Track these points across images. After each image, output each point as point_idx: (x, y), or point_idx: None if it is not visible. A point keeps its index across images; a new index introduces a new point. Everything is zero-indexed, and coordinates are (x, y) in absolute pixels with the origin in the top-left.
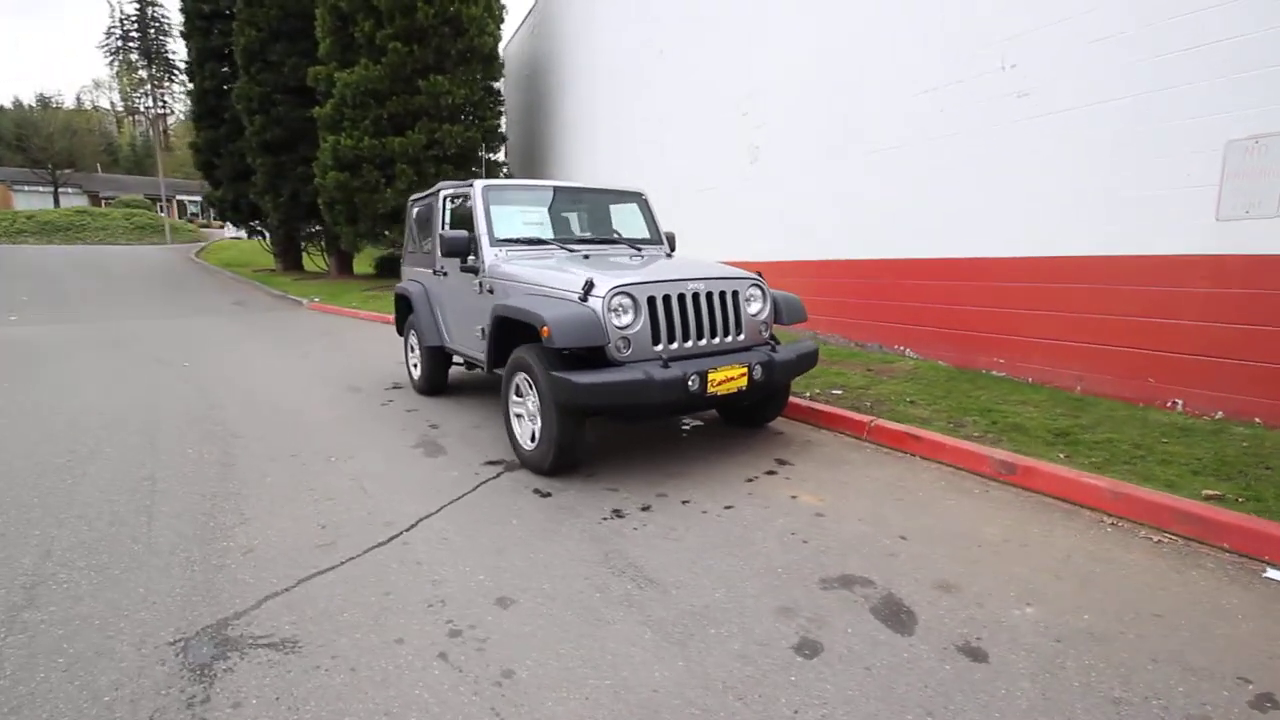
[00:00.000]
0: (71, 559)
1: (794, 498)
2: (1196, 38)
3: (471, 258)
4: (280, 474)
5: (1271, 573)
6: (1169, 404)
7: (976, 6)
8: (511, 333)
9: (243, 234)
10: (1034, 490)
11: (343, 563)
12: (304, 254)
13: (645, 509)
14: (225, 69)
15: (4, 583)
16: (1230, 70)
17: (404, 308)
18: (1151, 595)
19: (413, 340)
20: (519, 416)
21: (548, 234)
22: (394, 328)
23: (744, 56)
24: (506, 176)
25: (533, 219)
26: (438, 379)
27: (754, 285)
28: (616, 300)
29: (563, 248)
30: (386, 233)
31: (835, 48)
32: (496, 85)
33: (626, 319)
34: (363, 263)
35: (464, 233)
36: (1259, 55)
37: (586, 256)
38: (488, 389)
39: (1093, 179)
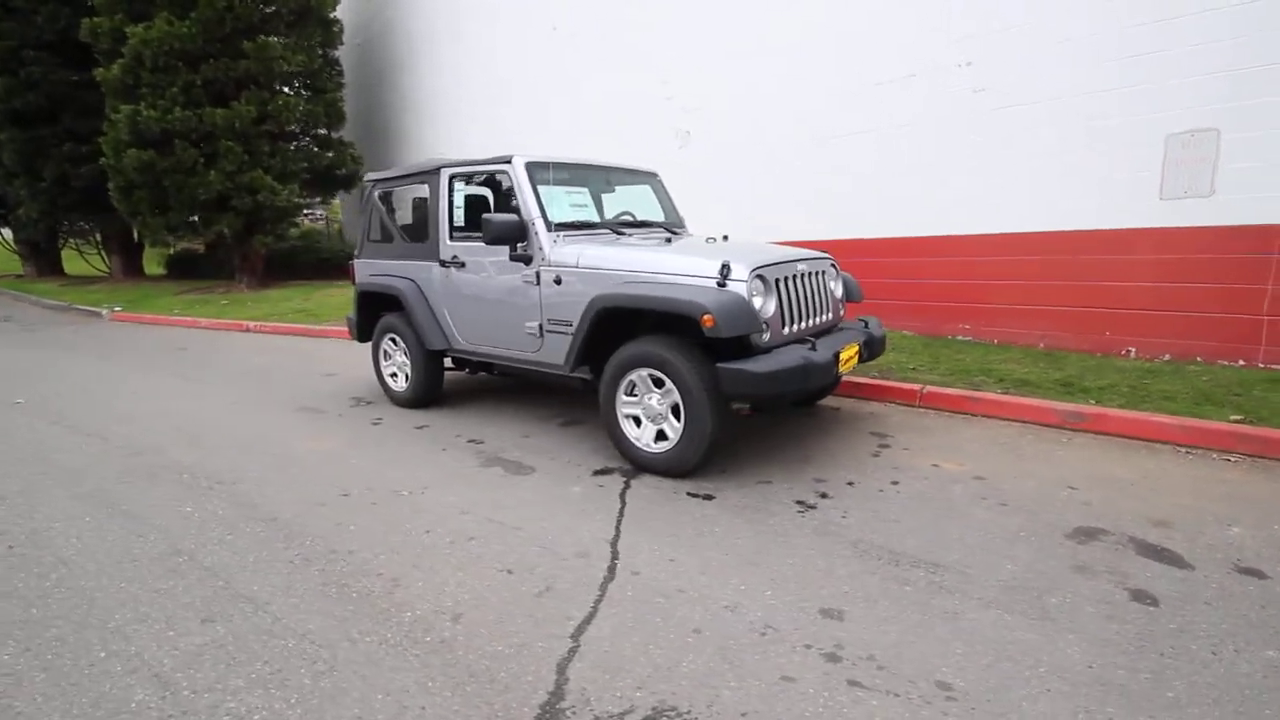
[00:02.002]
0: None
1: (936, 466)
2: (1137, 47)
3: (521, 245)
4: (374, 523)
5: None
6: (1123, 352)
7: (940, 4)
8: (611, 326)
9: None
10: (1107, 433)
11: (594, 613)
12: (74, 254)
13: (824, 496)
14: None
15: None
16: (1167, 76)
17: (374, 309)
18: None
19: (388, 346)
20: (630, 418)
21: (594, 216)
22: (278, 336)
23: (669, 36)
24: (354, 156)
25: (578, 200)
26: (435, 388)
27: (832, 264)
28: (756, 283)
29: (614, 231)
30: (206, 224)
31: (784, 36)
32: (335, 54)
33: (763, 302)
34: (151, 262)
35: (515, 217)
36: (1192, 65)
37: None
38: (485, 391)
39: (1049, 165)
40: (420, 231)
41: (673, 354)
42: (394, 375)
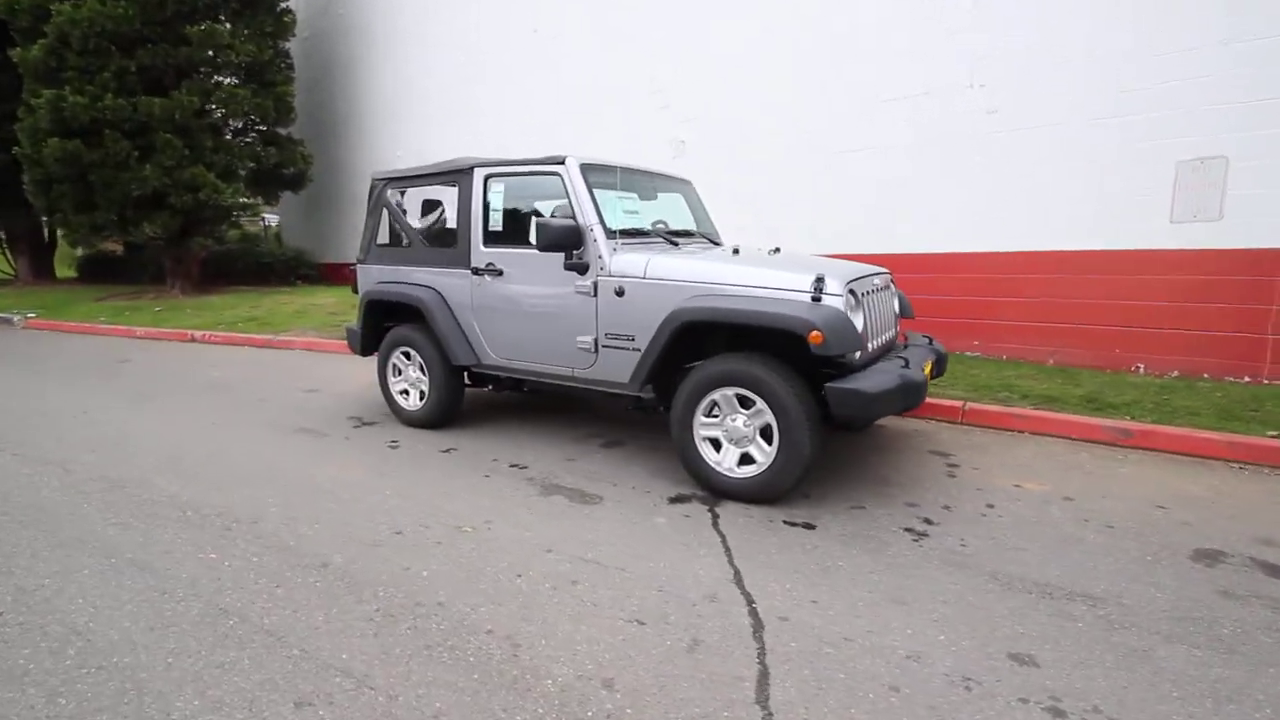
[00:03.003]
0: None
1: (1018, 486)
2: (1151, 78)
3: (576, 253)
4: (450, 567)
5: None
6: (1133, 368)
7: (949, 24)
8: (687, 342)
9: None
10: (1155, 449)
11: (765, 671)
12: None
13: (928, 521)
14: None
15: None
16: (1179, 105)
17: (381, 320)
18: None
19: (398, 361)
20: (709, 441)
21: (645, 223)
22: (231, 348)
23: (663, 44)
24: (304, 155)
25: (630, 206)
26: (455, 406)
27: (891, 279)
28: (849, 298)
29: (668, 240)
30: (137, 224)
31: (789, 50)
32: (286, 46)
33: (856, 318)
34: (60, 264)
35: (573, 222)
36: (1203, 95)
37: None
38: (500, 409)
39: (1061, 187)
40: (445, 235)
41: (767, 372)
42: (404, 393)
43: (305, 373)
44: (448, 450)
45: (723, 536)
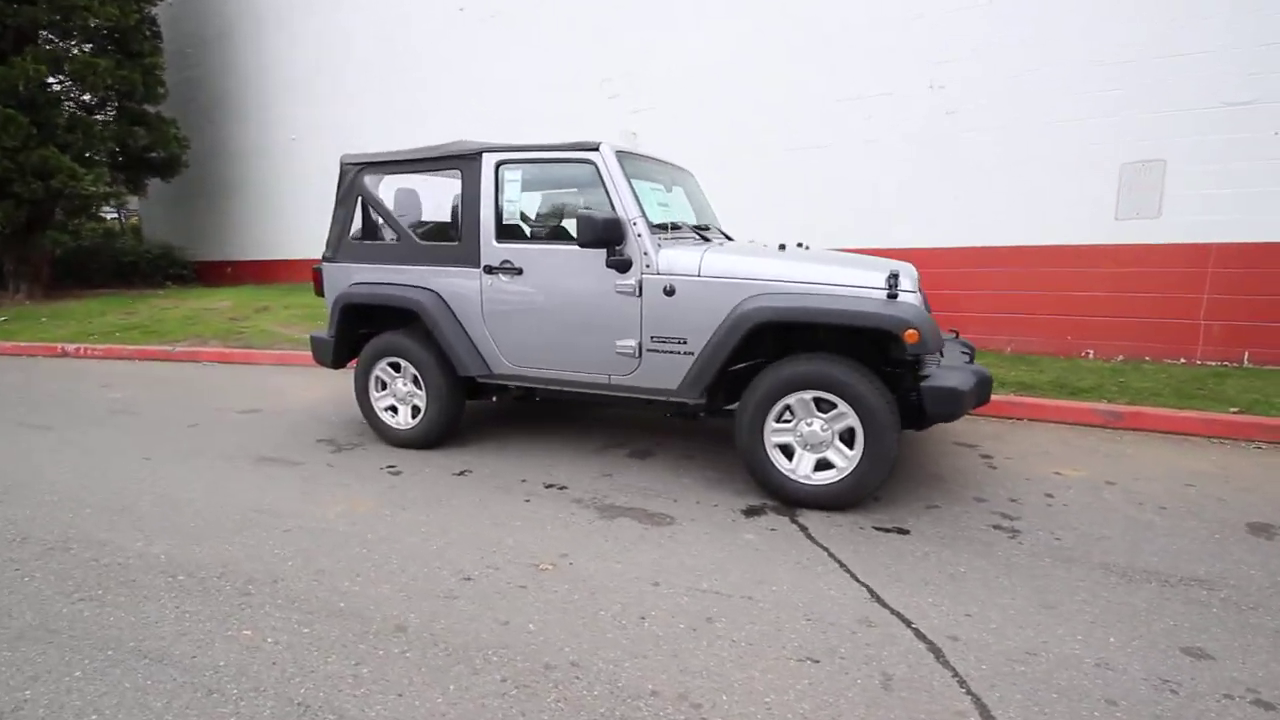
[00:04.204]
0: None
1: (1059, 474)
2: (1099, 85)
3: (618, 249)
4: (555, 615)
5: None
6: (1084, 354)
7: (908, 28)
8: (757, 343)
9: None
10: (1143, 429)
11: (979, 700)
12: None
13: (1007, 517)
14: None
15: None
16: (1123, 111)
17: (358, 326)
18: None
19: (383, 373)
20: (781, 447)
21: (676, 217)
22: (115, 362)
23: (613, 31)
24: (177, 137)
25: (662, 199)
26: (455, 422)
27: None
28: (920, 295)
29: (699, 235)
30: None
31: (756, 44)
32: (153, 11)
33: None
34: None
35: (616, 215)
36: (1146, 103)
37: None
38: (485, 421)
39: (1015, 185)
40: (445, 229)
41: (850, 373)
42: (391, 409)
43: (229, 390)
44: (461, 473)
45: (826, 550)
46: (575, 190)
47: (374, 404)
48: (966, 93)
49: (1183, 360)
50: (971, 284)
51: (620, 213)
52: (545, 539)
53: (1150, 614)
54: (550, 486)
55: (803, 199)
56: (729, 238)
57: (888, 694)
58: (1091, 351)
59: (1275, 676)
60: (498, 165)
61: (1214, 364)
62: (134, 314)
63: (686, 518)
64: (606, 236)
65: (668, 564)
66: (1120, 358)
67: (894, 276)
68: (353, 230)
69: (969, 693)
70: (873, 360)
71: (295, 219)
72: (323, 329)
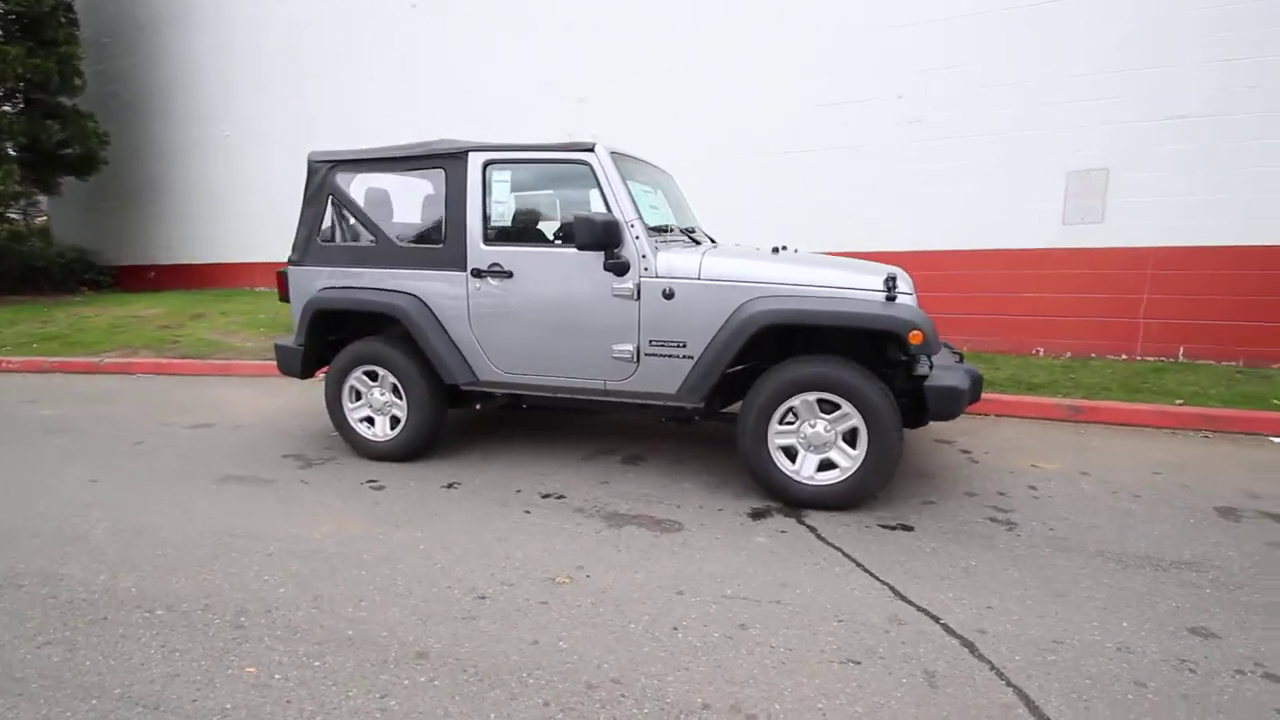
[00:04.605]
0: None
1: (1036, 467)
2: (1048, 96)
3: (615, 252)
4: (582, 630)
5: (1275, 439)
6: (1035, 351)
7: (873, 37)
8: (756, 346)
9: None
10: (1101, 422)
11: (1022, 693)
12: None
13: (1002, 510)
14: None
15: None
16: (1069, 122)
17: (327, 333)
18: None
19: (358, 383)
20: (784, 449)
21: (666, 219)
22: (33, 375)
23: (579, 35)
24: (96, 132)
25: (653, 201)
26: (437, 432)
27: None
28: (915, 297)
29: (690, 239)
30: None
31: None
32: None
33: None
34: None
35: (614, 217)
36: (1090, 114)
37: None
38: (470, 432)
39: (972, 192)
40: (429, 231)
41: (855, 374)
42: (367, 421)
43: (173, 403)
44: (450, 485)
45: (840, 550)
46: (568, 191)
47: (348, 415)
48: (927, 103)
49: (1124, 356)
50: (930, 286)
51: (617, 215)
52: (555, 551)
53: (1152, 598)
54: (548, 496)
55: (764, 203)
56: (712, 240)
57: (934, 691)
58: (1042, 350)
59: (1276, 650)
60: (485, 165)
61: (1152, 359)
62: (50, 323)
63: (695, 523)
64: (604, 239)
65: (687, 571)
66: (1068, 355)
67: (891, 279)
68: (323, 232)
69: (1010, 685)
70: (868, 361)
71: (232, 220)
72: (285, 336)
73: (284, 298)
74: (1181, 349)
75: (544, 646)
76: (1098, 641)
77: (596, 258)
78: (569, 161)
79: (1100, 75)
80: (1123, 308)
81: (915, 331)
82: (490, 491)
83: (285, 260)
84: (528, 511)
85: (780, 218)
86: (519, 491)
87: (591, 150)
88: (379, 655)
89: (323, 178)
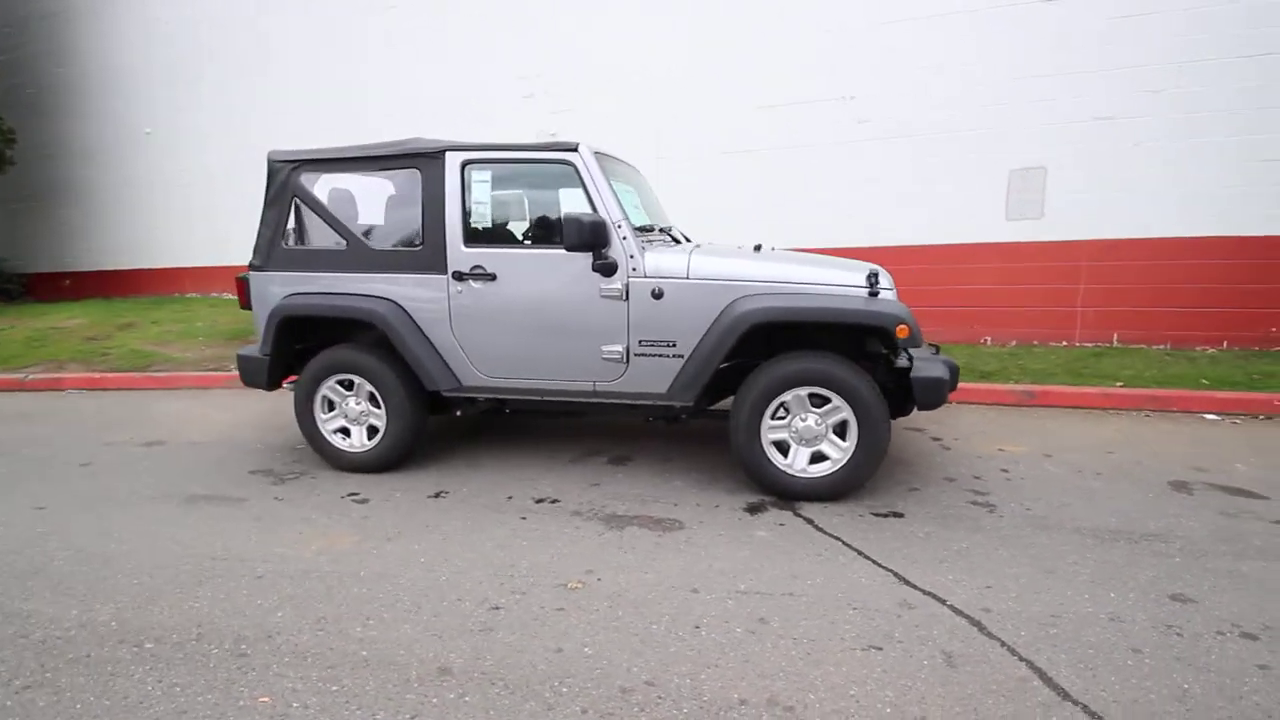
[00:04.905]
0: None
1: (1003, 450)
2: (989, 98)
3: (604, 251)
4: (603, 634)
5: (1209, 416)
6: (982, 340)
7: (823, 43)
8: (749, 342)
9: None
10: (1053, 405)
11: (1039, 671)
12: None
13: (981, 493)
14: None
15: None
16: (1011, 123)
17: (293, 341)
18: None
19: (332, 393)
20: (776, 444)
21: (644, 219)
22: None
23: (530, 25)
24: (2, 129)
25: (634, 200)
26: (416, 440)
27: None
28: (895, 292)
29: (671, 238)
30: None
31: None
32: None
33: None
34: None
35: (600, 217)
36: (1030, 116)
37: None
38: (444, 439)
39: (921, 189)
40: (403, 233)
41: (845, 369)
42: (341, 432)
43: (113, 420)
44: (438, 495)
45: (839, 539)
46: (549, 192)
47: (321, 426)
48: (876, 103)
49: (1065, 343)
50: None
51: (603, 215)
52: (559, 557)
53: (1131, 569)
54: (541, 501)
55: (721, 201)
56: (687, 239)
57: (955, 670)
58: (989, 338)
59: (1247, 611)
60: (464, 165)
61: (1090, 345)
62: None
63: (694, 521)
64: (592, 240)
65: (697, 569)
66: (1014, 343)
67: (874, 276)
68: (285, 236)
69: (1021, 659)
70: (850, 356)
71: (159, 223)
72: (248, 345)
73: (245, 305)
74: (1115, 335)
75: (569, 654)
76: (1091, 613)
77: (584, 258)
78: (551, 161)
79: (1035, 78)
80: (1062, 297)
81: (902, 326)
82: (480, 499)
83: (225, 265)
84: (524, 518)
85: (729, 215)
86: (510, 498)
87: (575, 150)
88: (400, 675)
89: (285, 178)
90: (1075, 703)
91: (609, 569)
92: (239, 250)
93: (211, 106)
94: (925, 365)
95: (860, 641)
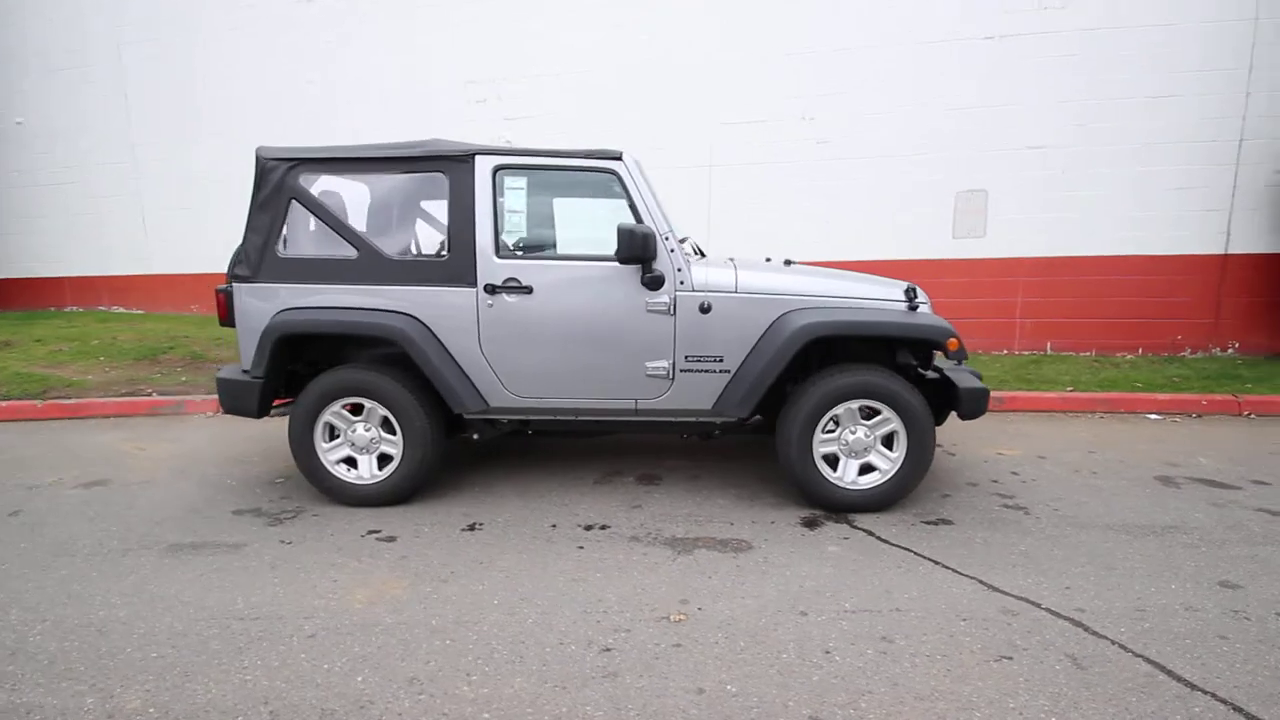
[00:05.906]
0: None
1: (1001, 454)
2: (937, 124)
3: (652, 264)
4: (750, 669)
5: (1152, 416)
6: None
7: (783, 65)
8: (805, 356)
9: None
10: (1019, 410)
11: (1143, 659)
12: None
13: (1007, 495)
14: None
15: None
16: (956, 147)
17: (286, 362)
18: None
19: (336, 419)
20: (825, 457)
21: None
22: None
23: (486, 29)
24: None
25: None
26: (434, 468)
27: None
28: (930, 305)
29: (694, 249)
30: None
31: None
32: None
33: None
34: None
35: (651, 229)
36: (973, 140)
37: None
38: (451, 462)
39: (874, 208)
40: (424, 243)
41: (895, 382)
42: (347, 462)
43: (28, 458)
44: (472, 527)
45: (910, 550)
46: (587, 201)
47: (322, 457)
48: (835, 125)
49: (1005, 351)
50: None
51: (651, 227)
52: (643, 588)
53: (1172, 560)
54: (590, 528)
55: (682, 219)
56: (702, 251)
57: (1086, 673)
58: None
59: None
60: (496, 170)
61: (1028, 353)
62: None
63: (759, 539)
64: (642, 252)
65: (792, 590)
66: (974, 353)
67: (911, 290)
68: (278, 243)
69: (1137, 655)
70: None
71: (32, 228)
72: (229, 367)
73: (226, 321)
74: (1049, 343)
75: (714, 694)
76: (1168, 605)
77: (630, 272)
78: (593, 170)
79: (979, 107)
80: (1002, 309)
81: (953, 339)
82: (522, 529)
83: (109, 274)
84: (581, 547)
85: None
86: (554, 525)
87: (619, 159)
88: None
89: (280, 179)
90: (1204, 692)
91: (703, 597)
92: (121, 259)
93: (93, 98)
94: (960, 376)
95: (989, 653)
